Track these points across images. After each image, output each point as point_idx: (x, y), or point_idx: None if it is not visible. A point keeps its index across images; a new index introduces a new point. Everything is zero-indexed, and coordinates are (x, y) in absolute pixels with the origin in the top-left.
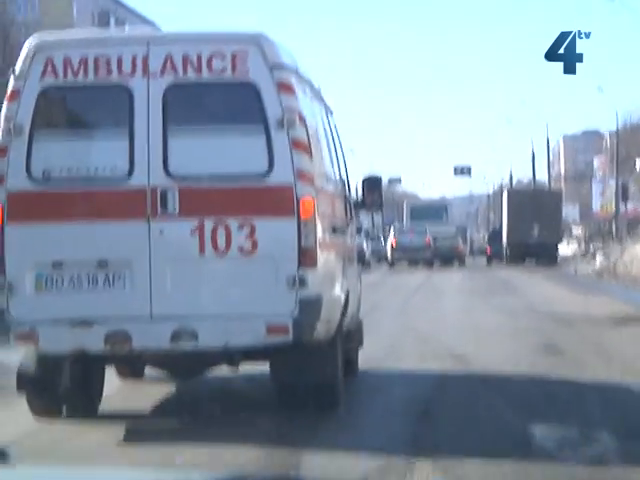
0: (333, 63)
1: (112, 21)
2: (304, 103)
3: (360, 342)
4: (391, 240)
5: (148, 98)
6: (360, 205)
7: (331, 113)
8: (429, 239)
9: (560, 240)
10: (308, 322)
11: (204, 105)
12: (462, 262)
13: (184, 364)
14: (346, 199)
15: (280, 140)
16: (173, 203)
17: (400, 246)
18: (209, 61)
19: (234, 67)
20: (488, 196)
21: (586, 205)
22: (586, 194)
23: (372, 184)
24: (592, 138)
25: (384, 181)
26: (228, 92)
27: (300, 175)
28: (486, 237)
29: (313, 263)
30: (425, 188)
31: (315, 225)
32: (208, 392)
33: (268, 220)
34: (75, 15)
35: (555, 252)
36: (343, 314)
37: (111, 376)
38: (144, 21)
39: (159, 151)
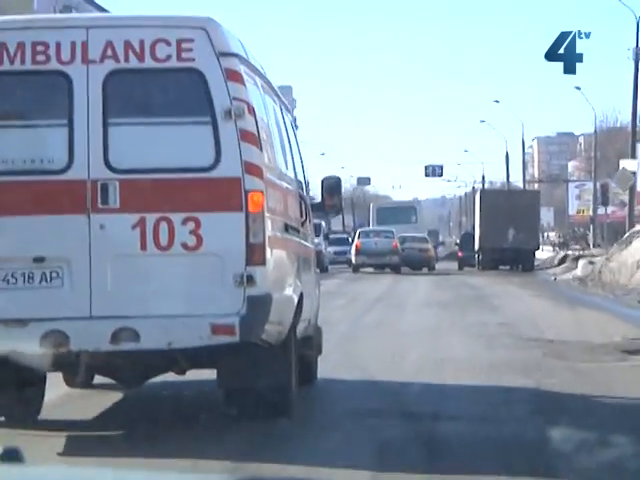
0: (304, 62)
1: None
2: (254, 94)
3: (319, 350)
4: (355, 244)
5: (87, 86)
6: (319, 207)
7: (288, 111)
8: (396, 243)
9: (538, 246)
10: (256, 322)
11: (147, 94)
12: (432, 268)
13: (127, 369)
14: (301, 198)
15: (228, 131)
16: (114, 197)
17: (364, 250)
18: (152, 47)
19: (179, 54)
20: (460, 198)
21: (560, 209)
22: (560, 198)
23: (331, 185)
24: (566, 140)
25: (353, 181)
26: (173, 80)
27: (248, 168)
28: (458, 241)
29: (262, 260)
30: (396, 190)
31: (264, 221)
32: (155, 400)
33: (214, 215)
34: (36, 8)
35: (532, 258)
36: (296, 317)
37: (60, 386)
38: None
39: (99, 142)
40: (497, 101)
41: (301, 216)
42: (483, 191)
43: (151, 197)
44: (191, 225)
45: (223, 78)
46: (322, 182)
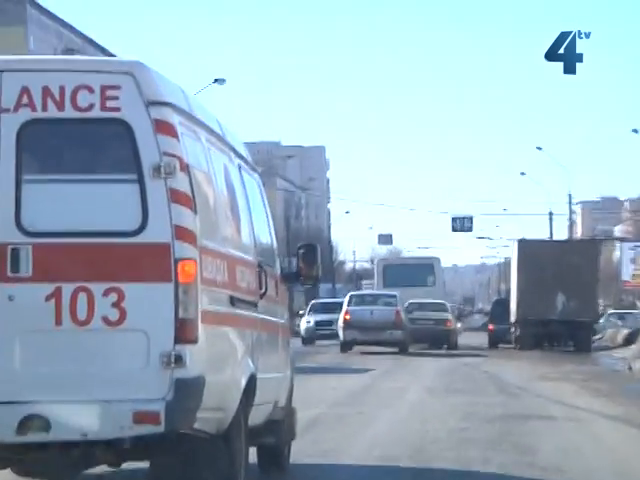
0: (336, 121)
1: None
2: (193, 149)
3: (291, 434)
4: (343, 313)
5: None
6: (294, 277)
7: (254, 170)
8: (399, 312)
9: (597, 317)
10: (185, 408)
11: (67, 147)
12: (452, 345)
13: (43, 463)
14: (261, 268)
15: (156, 191)
16: (26, 264)
17: (356, 322)
18: (74, 94)
19: (103, 102)
20: (499, 264)
21: (607, 274)
22: (607, 262)
23: (308, 253)
24: (610, 205)
25: (375, 238)
26: (96, 132)
27: (179, 233)
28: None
29: (193, 338)
30: (422, 250)
31: (197, 293)
32: None
33: (140, 286)
34: (32, 48)
35: (589, 335)
36: (246, 402)
37: None
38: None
39: (11, 202)
40: (540, 148)
41: (260, 288)
42: (522, 241)
43: (68, 264)
44: (113, 297)
45: (152, 130)
46: (298, 250)
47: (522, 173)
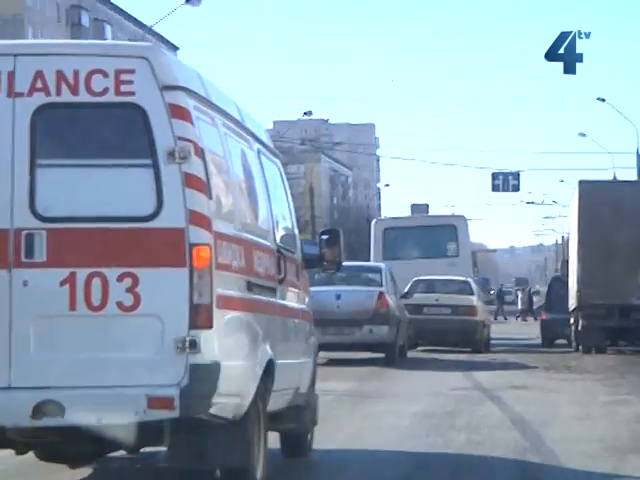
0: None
1: (86, 19)
2: (208, 133)
3: (314, 420)
4: None
5: (13, 122)
6: (316, 262)
7: (275, 155)
8: (385, 296)
9: None
10: (200, 394)
11: (81, 132)
12: (480, 345)
13: (60, 447)
14: (280, 253)
15: (170, 176)
16: (40, 249)
17: (314, 312)
18: (88, 79)
19: (118, 86)
20: (556, 242)
21: None
22: None
23: (331, 238)
24: None
25: (407, 207)
26: (110, 117)
27: (194, 218)
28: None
29: (208, 324)
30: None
31: (212, 278)
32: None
33: (154, 271)
34: (29, 4)
35: None
36: (264, 388)
37: None
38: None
39: (25, 187)
40: (602, 99)
41: (279, 273)
42: (586, 184)
43: (83, 250)
44: (128, 282)
45: (166, 115)
46: (320, 235)
47: (581, 134)
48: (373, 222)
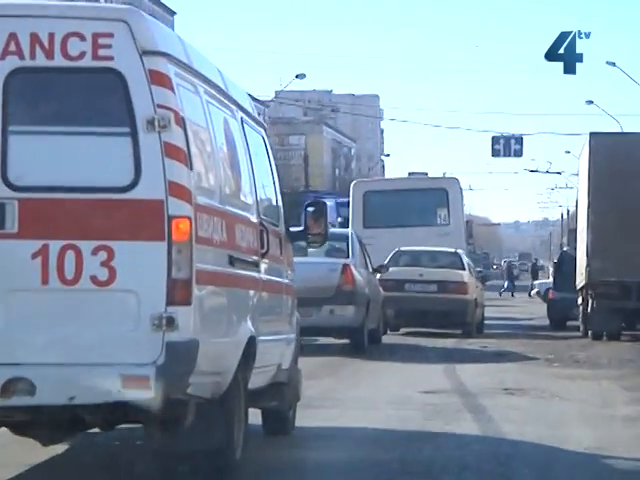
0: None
1: None
2: (190, 102)
3: (296, 397)
4: None
5: None
6: (301, 236)
7: (260, 125)
8: (350, 269)
9: None
10: (176, 373)
11: (56, 98)
12: (472, 327)
13: (31, 425)
14: (263, 227)
15: (149, 145)
16: (12, 220)
17: None
18: (64, 42)
19: (95, 50)
20: (562, 216)
21: None
22: None
23: (316, 211)
24: None
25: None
26: (87, 82)
27: (173, 189)
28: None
29: (186, 300)
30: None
31: (192, 252)
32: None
33: (131, 244)
34: None
35: None
36: (245, 365)
37: None
38: None
39: None
40: (612, 63)
41: (262, 247)
42: (598, 137)
43: (56, 221)
44: (103, 255)
45: (146, 81)
46: (305, 208)
47: (589, 101)
48: (352, 185)
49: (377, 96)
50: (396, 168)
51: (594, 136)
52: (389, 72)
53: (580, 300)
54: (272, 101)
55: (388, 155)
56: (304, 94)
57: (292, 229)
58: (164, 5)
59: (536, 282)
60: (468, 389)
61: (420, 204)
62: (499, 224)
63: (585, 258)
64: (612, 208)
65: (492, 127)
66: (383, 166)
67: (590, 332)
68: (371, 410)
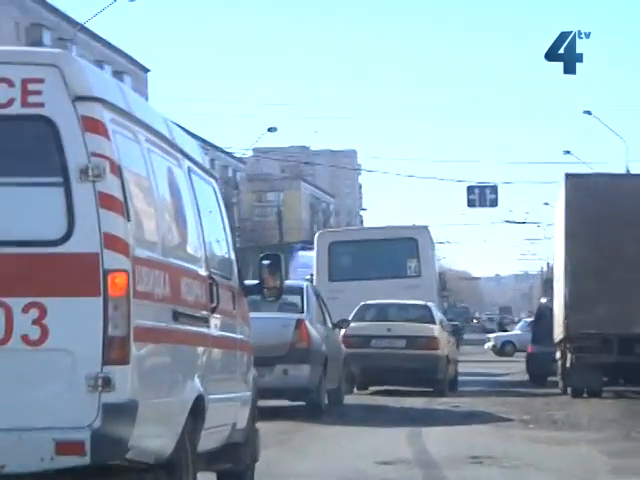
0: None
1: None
2: (127, 149)
3: (254, 457)
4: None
5: None
6: (256, 290)
7: (211, 176)
8: (305, 325)
9: None
10: (114, 437)
11: None
12: (444, 385)
13: None
14: (212, 280)
15: (83, 195)
16: None
17: None
18: None
19: (25, 97)
20: (541, 269)
21: None
22: None
23: (272, 263)
24: None
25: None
26: (16, 130)
27: (109, 241)
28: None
29: (124, 359)
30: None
31: (129, 307)
32: None
33: (64, 300)
34: None
35: None
36: (193, 426)
37: None
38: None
39: None
40: (589, 112)
41: (211, 301)
42: (574, 178)
43: None
44: (34, 313)
45: (79, 128)
46: (261, 261)
47: (566, 151)
48: (316, 236)
49: (354, 151)
50: (375, 222)
51: (570, 178)
52: (365, 124)
53: (559, 354)
54: (239, 159)
55: (365, 209)
56: (282, 150)
57: (247, 282)
58: (138, 62)
59: (491, 335)
60: (432, 458)
61: (389, 255)
62: (479, 278)
63: (563, 309)
64: (591, 254)
65: (468, 177)
66: (362, 221)
67: (569, 389)
68: None
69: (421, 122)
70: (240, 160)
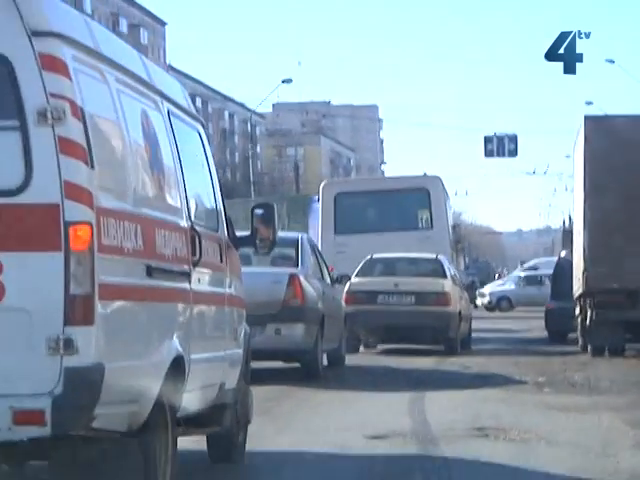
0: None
1: None
2: (92, 90)
3: (246, 418)
4: None
5: None
6: (248, 241)
7: (195, 119)
8: (298, 280)
9: None
10: (77, 405)
11: None
12: (455, 343)
13: None
14: (195, 232)
15: (41, 140)
16: None
17: None
18: None
19: None
20: (563, 222)
21: None
22: None
23: (265, 214)
24: None
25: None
26: None
27: (70, 191)
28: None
29: (87, 319)
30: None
31: (93, 263)
32: None
33: (21, 255)
34: None
35: None
36: (171, 389)
37: None
38: None
39: None
40: (611, 60)
41: (193, 255)
42: (592, 122)
43: None
44: None
45: (37, 67)
46: (252, 211)
47: (588, 102)
48: (321, 186)
49: (376, 106)
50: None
51: (589, 120)
52: (386, 78)
53: (578, 311)
54: (258, 114)
55: (385, 163)
56: (303, 105)
57: (238, 234)
58: (154, 15)
59: (486, 290)
60: (432, 429)
61: (399, 206)
62: (501, 233)
63: (582, 262)
64: (612, 203)
65: (487, 127)
66: (384, 175)
67: (590, 347)
68: (285, 468)
69: (441, 73)
70: (260, 115)
